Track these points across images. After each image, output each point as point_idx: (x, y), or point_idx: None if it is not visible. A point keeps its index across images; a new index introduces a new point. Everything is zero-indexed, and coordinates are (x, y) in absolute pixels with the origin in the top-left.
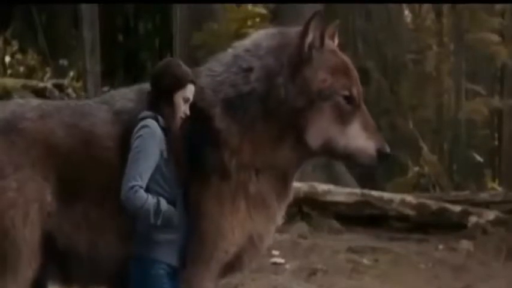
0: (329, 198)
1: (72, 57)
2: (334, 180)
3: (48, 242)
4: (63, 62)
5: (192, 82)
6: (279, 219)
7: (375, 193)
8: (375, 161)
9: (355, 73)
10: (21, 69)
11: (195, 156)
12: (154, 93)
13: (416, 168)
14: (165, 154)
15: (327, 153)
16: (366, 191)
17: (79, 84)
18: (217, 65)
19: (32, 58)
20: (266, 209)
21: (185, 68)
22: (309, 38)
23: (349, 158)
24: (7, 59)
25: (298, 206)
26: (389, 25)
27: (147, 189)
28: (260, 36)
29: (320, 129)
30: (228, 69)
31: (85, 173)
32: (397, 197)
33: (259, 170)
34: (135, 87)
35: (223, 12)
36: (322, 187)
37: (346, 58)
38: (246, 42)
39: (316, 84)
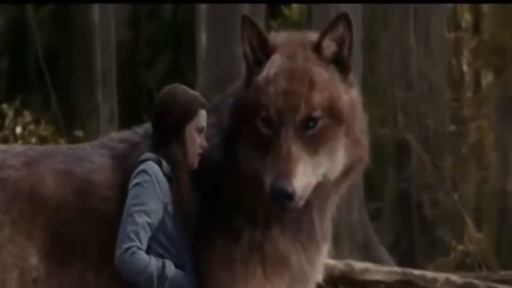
0: (367, 277)
1: (88, 129)
2: (372, 260)
3: None
4: (79, 133)
5: (204, 107)
6: (312, 272)
7: (417, 272)
8: (273, 203)
9: (282, 85)
10: (33, 140)
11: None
12: (160, 130)
13: (461, 247)
14: (169, 208)
15: None
16: (407, 270)
17: None
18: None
19: (44, 129)
20: (288, 268)
21: (193, 92)
22: (247, 51)
23: None
24: (18, 129)
25: (334, 285)
26: (430, 96)
27: (148, 252)
28: None
29: (245, 157)
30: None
31: (82, 229)
32: (441, 276)
33: (269, 216)
34: (140, 129)
35: None
36: (359, 265)
37: (290, 65)
38: None
39: (245, 103)
